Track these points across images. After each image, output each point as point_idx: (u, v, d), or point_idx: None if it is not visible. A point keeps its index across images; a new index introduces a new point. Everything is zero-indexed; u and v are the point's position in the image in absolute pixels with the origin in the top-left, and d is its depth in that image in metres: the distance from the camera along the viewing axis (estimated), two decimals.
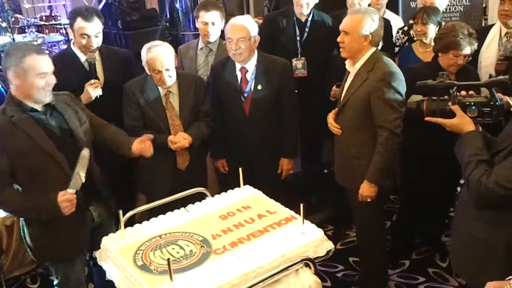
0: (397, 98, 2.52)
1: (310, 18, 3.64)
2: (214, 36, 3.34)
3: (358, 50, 2.59)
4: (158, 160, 2.93)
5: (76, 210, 2.31)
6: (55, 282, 2.57)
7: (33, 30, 5.46)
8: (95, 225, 2.54)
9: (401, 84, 2.56)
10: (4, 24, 5.05)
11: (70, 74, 2.91)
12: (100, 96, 2.89)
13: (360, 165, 2.66)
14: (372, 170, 2.60)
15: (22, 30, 5.49)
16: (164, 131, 2.90)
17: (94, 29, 2.90)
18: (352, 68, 2.65)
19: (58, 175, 2.30)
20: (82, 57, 2.98)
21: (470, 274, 2.10)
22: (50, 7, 7.33)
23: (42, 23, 6.44)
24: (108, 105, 2.91)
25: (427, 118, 2.14)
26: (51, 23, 6.58)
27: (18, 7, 6.97)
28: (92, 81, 2.89)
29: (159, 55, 2.76)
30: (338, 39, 2.61)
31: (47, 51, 4.72)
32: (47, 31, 6.03)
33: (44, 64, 2.25)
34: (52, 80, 2.29)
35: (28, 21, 6.18)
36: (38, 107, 2.31)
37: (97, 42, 2.94)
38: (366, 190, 2.64)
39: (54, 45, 6.16)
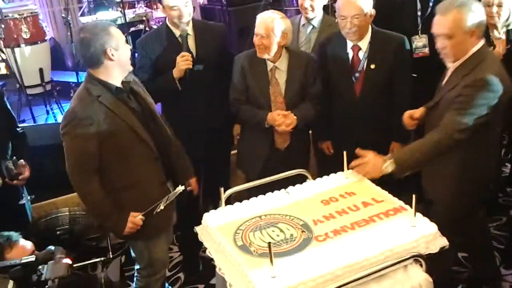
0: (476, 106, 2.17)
1: None
2: (314, 12, 3.17)
3: (465, 50, 2.27)
4: (255, 137, 2.90)
5: (164, 189, 2.44)
6: (137, 267, 2.61)
7: (142, 5, 5.65)
8: None
9: (490, 96, 2.18)
10: None
11: (166, 50, 2.94)
12: (189, 69, 2.86)
13: (447, 171, 2.38)
14: (409, 148, 2.33)
15: (131, 5, 5.71)
16: (265, 108, 2.82)
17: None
18: (451, 65, 2.35)
19: (145, 153, 2.34)
20: (177, 33, 2.95)
21: None
22: None
23: None
24: (199, 79, 2.90)
25: None
26: None
27: None
28: (182, 53, 2.86)
29: (267, 20, 2.69)
30: (438, 46, 2.30)
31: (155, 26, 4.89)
32: (155, 7, 6.22)
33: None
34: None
35: None
36: (121, 86, 2.33)
37: (188, 11, 2.90)
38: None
39: (162, 22, 6.28)
